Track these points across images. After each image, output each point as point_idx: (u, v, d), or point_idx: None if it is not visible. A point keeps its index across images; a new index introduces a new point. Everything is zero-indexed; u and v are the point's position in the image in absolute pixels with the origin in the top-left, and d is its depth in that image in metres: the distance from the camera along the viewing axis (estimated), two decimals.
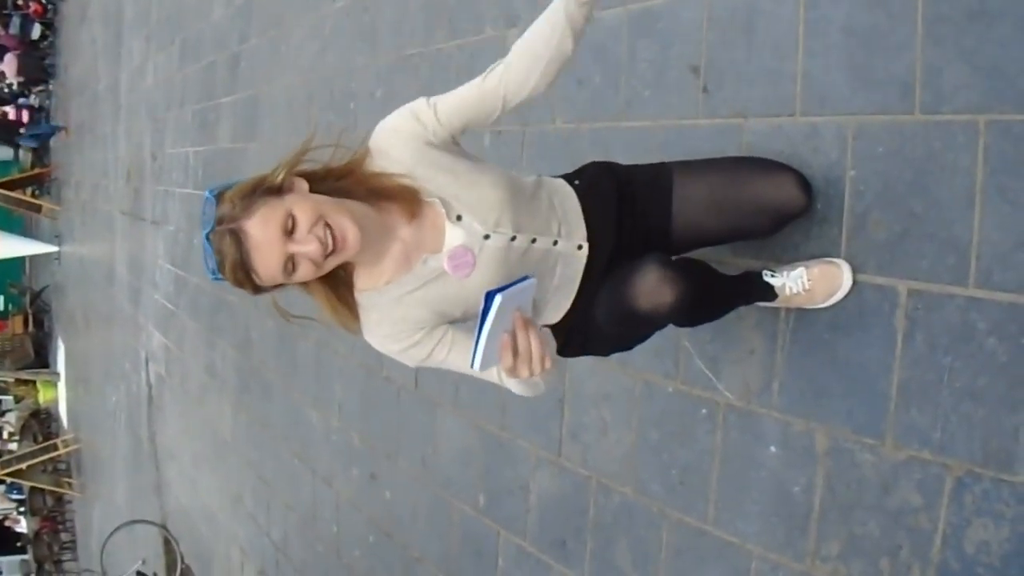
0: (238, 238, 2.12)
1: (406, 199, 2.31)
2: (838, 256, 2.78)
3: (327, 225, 2.14)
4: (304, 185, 2.21)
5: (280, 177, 2.18)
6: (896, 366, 2.63)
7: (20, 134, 20.75)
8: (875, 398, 2.68)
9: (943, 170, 2.53)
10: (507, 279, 2.39)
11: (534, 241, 2.44)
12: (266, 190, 2.16)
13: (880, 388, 2.66)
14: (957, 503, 2.48)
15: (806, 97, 2.91)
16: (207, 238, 2.17)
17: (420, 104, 2.36)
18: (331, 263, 2.19)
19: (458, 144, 2.43)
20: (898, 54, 2.65)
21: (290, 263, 2.15)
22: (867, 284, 2.71)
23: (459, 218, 2.35)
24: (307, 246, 2.13)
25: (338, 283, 2.34)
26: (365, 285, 2.36)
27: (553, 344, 2.51)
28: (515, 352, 2.09)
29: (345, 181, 2.30)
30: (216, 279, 2.19)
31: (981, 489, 2.43)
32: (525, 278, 2.08)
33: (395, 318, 2.34)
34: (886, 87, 2.68)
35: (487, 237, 2.36)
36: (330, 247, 2.14)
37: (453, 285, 2.36)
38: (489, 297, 1.97)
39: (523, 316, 2.09)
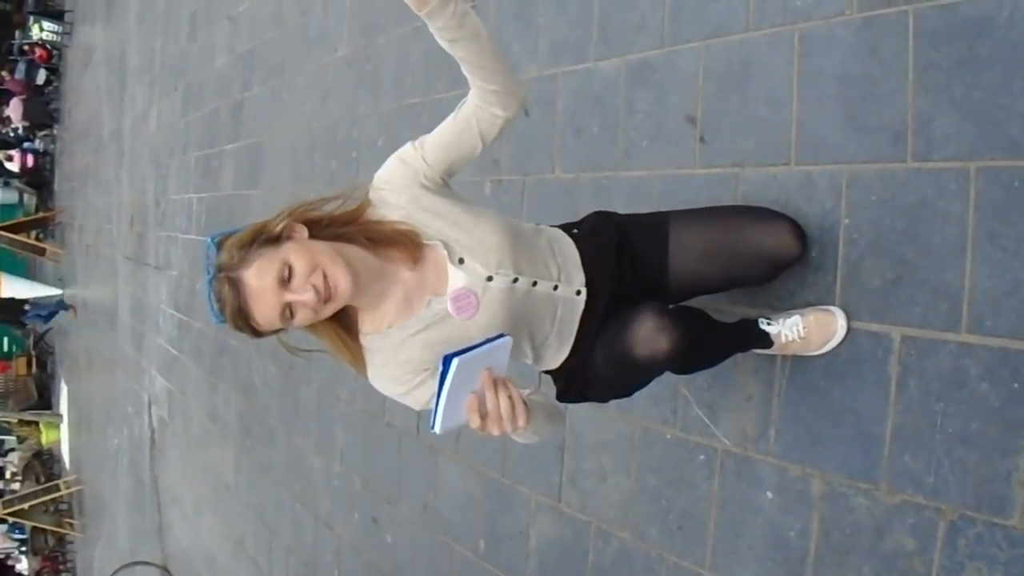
0: (236, 287, 2.18)
1: (406, 245, 2.35)
2: (833, 303, 2.81)
3: (323, 274, 2.18)
4: (304, 232, 2.26)
5: (280, 226, 2.23)
6: (890, 412, 2.65)
7: (25, 312, 21.01)
8: (869, 443, 2.70)
9: (935, 217, 2.57)
10: (511, 323, 2.42)
11: (535, 284, 2.47)
12: (264, 240, 2.21)
13: (874, 433, 2.69)
14: (951, 547, 2.50)
15: (801, 146, 2.96)
16: (209, 284, 2.23)
17: (407, 149, 2.40)
18: (328, 310, 2.24)
19: (451, 187, 2.47)
20: (890, 102, 2.69)
21: (287, 310, 2.20)
22: (861, 331, 2.74)
23: (461, 261, 2.38)
24: (303, 295, 2.17)
25: (344, 326, 2.38)
26: (369, 328, 2.39)
27: (541, 398, 2.46)
28: (484, 412, 2.09)
29: (347, 228, 2.34)
30: (220, 323, 2.25)
31: (975, 533, 2.45)
32: (499, 336, 2.06)
33: (399, 361, 2.37)
34: (878, 135, 2.72)
35: (490, 279, 2.39)
36: (325, 295, 2.18)
37: (457, 327, 2.38)
38: (447, 361, 1.94)
39: (493, 375, 2.07)
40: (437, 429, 2.04)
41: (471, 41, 2.23)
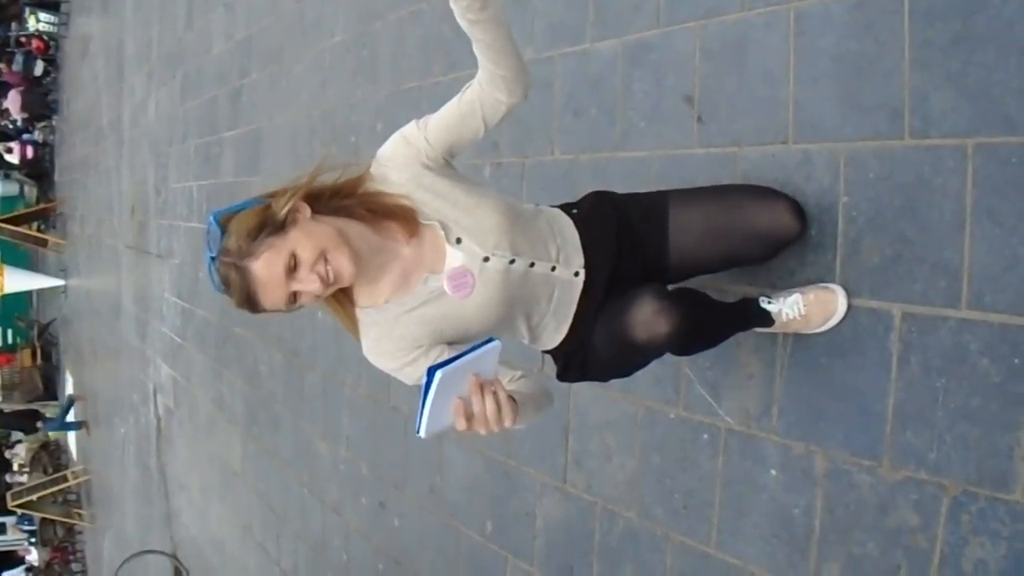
0: (245, 276, 2.22)
1: (405, 218, 2.38)
2: (833, 281, 2.82)
3: (326, 260, 2.22)
4: (307, 211, 2.28)
5: (284, 212, 2.25)
6: (891, 388, 2.66)
7: (38, 428, 21.17)
8: (872, 420, 2.71)
9: (933, 194, 2.57)
10: (506, 303, 2.44)
11: (532, 265, 2.49)
12: (270, 229, 2.22)
13: (876, 410, 2.70)
14: (954, 522, 2.51)
15: (798, 125, 2.96)
16: (212, 260, 2.27)
17: (411, 127, 2.42)
18: (330, 291, 2.30)
19: (453, 167, 2.49)
20: (886, 80, 2.69)
21: (293, 296, 2.24)
22: (862, 308, 2.75)
23: (459, 241, 2.41)
24: (310, 284, 2.22)
25: (344, 294, 2.42)
26: (365, 302, 2.42)
27: (530, 386, 2.45)
28: (470, 414, 2.06)
29: (348, 201, 2.37)
30: (221, 292, 2.31)
31: (977, 508, 2.46)
32: (489, 340, 2.03)
33: (394, 336, 2.40)
34: (875, 113, 2.72)
35: (486, 260, 2.41)
36: (330, 280, 2.23)
37: (452, 305, 2.41)
38: (430, 372, 1.94)
39: (480, 380, 2.05)
40: (422, 434, 2.03)
41: (492, 24, 2.24)
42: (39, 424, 20.97)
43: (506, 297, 2.45)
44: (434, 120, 2.41)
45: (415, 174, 2.40)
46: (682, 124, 3.38)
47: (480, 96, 2.37)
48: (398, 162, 2.41)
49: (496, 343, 2.04)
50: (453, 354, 2.01)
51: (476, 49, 2.30)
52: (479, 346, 2.01)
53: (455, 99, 2.40)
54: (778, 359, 3.00)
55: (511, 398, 2.11)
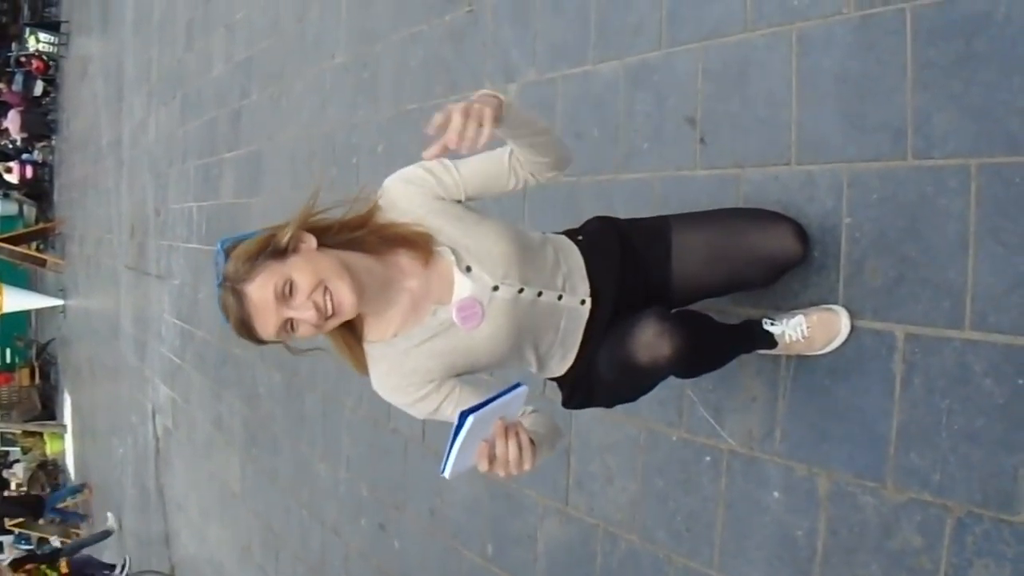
0: (240, 299, 2.20)
1: (418, 246, 2.36)
2: (836, 303, 2.81)
3: (326, 290, 2.19)
4: (312, 242, 2.26)
5: (286, 238, 2.23)
6: (895, 410, 2.65)
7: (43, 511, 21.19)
8: (875, 442, 2.70)
9: (936, 214, 2.57)
10: (515, 332, 2.43)
11: (540, 295, 2.48)
12: (270, 253, 2.21)
13: (880, 432, 2.69)
14: (958, 544, 2.50)
15: (801, 146, 2.96)
16: (218, 289, 2.25)
17: (434, 164, 2.42)
18: (331, 325, 2.25)
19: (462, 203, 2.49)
20: (889, 100, 2.69)
21: (289, 324, 2.21)
22: (865, 330, 2.75)
23: (468, 269, 2.39)
24: (304, 312, 2.19)
25: (349, 328, 2.39)
26: (374, 336, 2.40)
27: (542, 424, 2.44)
28: (492, 457, 2.07)
29: (357, 233, 2.36)
30: (227, 323, 2.28)
31: (982, 530, 2.45)
32: (516, 386, 2.04)
33: (405, 371, 2.38)
34: (878, 134, 2.73)
35: (495, 289, 2.40)
36: (329, 311, 2.20)
37: (462, 337, 2.39)
38: (462, 417, 1.95)
39: (506, 423, 2.06)
40: (447, 475, 2.05)
41: (525, 138, 2.36)
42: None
43: (515, 327, 2.44)
44: (470, 167, 2.44)
45: (427, 201, 2.40)
46: (684, 146, 3.38)
47: (524, 164, 2.44)
48: (414, 187, 2.40)
49: (524, 388, 2.05)
50: (480, 399, 2.01)
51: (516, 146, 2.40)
52: (508, 391, 2.02)
53: (498, 155, 2.44)
54: (781, 381, 2.99)
55: (531, 441, 2.11)
